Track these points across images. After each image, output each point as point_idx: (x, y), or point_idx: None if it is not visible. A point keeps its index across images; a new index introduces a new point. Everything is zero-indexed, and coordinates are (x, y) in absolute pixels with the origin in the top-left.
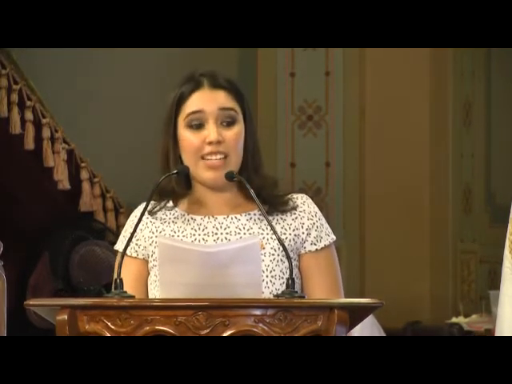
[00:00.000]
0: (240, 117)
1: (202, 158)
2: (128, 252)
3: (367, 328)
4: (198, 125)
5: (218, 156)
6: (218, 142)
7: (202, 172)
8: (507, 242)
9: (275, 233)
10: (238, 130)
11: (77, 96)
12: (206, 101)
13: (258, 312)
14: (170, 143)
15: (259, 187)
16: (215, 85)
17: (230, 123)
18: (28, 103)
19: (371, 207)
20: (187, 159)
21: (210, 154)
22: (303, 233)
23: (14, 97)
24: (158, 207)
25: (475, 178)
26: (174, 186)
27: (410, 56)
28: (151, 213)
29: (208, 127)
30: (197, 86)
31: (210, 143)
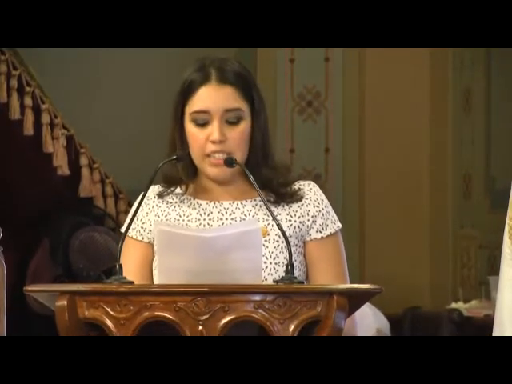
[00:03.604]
0: (246, 113)
1: (207, 155)
2: (134, 235)
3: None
4: (202, 124)
5: (221, 155)
6: (221, 142)
7: (207, 169)
8: (507, 228)
9: (275, 219)
10: (243, 128)
11: (76, 82)
12: (211, 100)
13: (257, 298)
14: (177, 131)
15: (268, 179)
16: (223, 80)
17: (235, 122)
18: (27, 89)
19: (371, 193)
20: (193, 154)
21: (213, 152)
22: (308, 220)
23: (14, 82)
24: (166, 191)
25: (475, 163)
26: (180, 173)
27: None
28: (160, 196)
29: (212, 125)
30: (205, 79)
31: (213, 142)
